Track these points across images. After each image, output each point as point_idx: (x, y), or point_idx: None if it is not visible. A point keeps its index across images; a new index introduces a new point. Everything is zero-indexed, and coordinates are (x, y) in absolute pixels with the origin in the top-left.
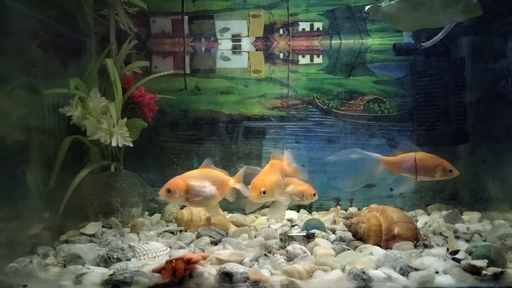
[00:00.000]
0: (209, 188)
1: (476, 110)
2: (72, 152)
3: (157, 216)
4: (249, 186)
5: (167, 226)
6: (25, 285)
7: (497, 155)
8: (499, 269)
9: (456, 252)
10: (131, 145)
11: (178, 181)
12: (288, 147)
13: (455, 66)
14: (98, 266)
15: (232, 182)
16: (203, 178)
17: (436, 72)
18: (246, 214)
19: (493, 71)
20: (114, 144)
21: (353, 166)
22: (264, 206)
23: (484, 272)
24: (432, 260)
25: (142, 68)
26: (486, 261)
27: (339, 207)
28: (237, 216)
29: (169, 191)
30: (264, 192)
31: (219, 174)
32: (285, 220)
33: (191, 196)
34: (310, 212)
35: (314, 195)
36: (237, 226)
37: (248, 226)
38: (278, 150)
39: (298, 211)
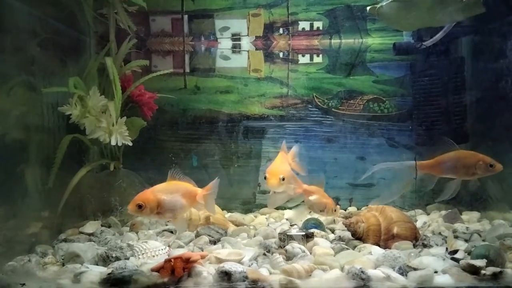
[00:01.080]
0: (180, 201)
1: (475, 109)
2: (71, 151)
3: None
4: (266, 174)
5: (166, 225)
6: (24, 284)
7: (496, 155)
8: (498, 269)
9: (455, 251)
10: (130, 144)
11: (149, 196)
12: (299, 143)
13: (454, 65)
14: (97, 265)
15: (200, 193)
16: (173, 191)
17: (436, 72)
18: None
19: (493, 70)
20: (113, 143)
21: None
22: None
23: (483, 271)
24: (431, 260)
25: (142, 67)
26: (485, 260)
27: (338, 206)
28: (236, 216)
29: (139, 206)
30: (283, 179)
31: (188, 186)
32: (285, 219)
33: (162, 210)
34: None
35: (335, 210)
36: (236, 225)
37: (247, 225)
38: (285, 143)
39: None
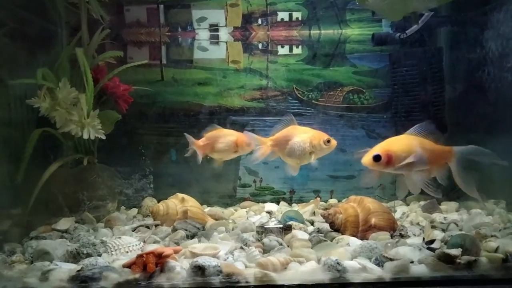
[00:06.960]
0: None
1: (453, 100)
2: (44, 146)
3: (134, 210)
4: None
5: (143, 220)
6: None
7: (473, 145)
8: (473, 258)
9: (432, 241)
10: (104, 137)
11: None
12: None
13: (433, 56)
14: (67, 262)
15: None
16: None
17: (415, 62)
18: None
19: (470, 61)
20: (85, 136)
21: None
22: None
23: (458, 260)
24: (408, 250)
25: (117, 58)
26: (460, 250)
27: (318, 198)
28: (216, 209)
29: None
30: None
31: None
32: (264, 212)
33: None
34: (290, 204)
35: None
36: (216, 219)
37: (226, 219)
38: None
39: (278, 204)
